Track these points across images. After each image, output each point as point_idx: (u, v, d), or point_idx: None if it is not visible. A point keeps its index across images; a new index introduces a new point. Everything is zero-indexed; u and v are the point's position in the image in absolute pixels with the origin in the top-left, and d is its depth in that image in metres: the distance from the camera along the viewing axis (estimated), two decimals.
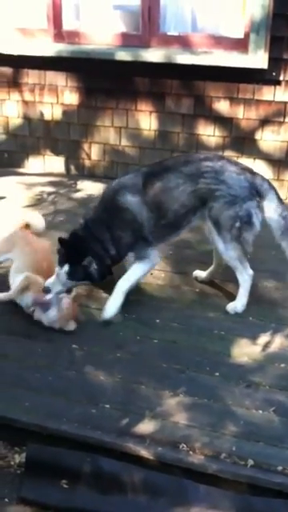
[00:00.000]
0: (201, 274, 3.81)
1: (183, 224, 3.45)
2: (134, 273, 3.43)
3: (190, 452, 2.54)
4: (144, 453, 2.54)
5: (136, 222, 3.35)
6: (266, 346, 3.21)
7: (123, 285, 3.40)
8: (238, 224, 3.31)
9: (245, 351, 3.16)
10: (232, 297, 3.63)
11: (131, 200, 3.34)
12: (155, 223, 3.37)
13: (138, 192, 3.34)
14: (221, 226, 3.33)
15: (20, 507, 2.49)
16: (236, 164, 3.45)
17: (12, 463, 2.67)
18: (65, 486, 2.52)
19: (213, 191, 3.29)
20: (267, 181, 3.43)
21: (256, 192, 3.32)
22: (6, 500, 2.52)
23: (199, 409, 2.76)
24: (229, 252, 3.39)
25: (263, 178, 3.43)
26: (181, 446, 2.56)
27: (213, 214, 3.33)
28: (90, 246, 3.33)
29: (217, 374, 2.99)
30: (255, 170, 5.01)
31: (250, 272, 3.48)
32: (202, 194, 3.32)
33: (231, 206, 3.28)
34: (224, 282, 3.78)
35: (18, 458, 2.68)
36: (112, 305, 3.36)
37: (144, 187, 3.35)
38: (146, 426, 2.65)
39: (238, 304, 3.49)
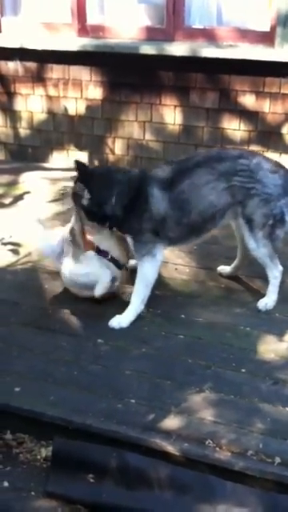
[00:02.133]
0: (225, 269, 3.79)
1: (207, 227, 3.36)
2: (144, 276, 3.31)
3: (217, 448, 2.52)
4: (170, 448, 2.53)
5: (151, 217, 3.24)
6: None
7: (139, 293, 3.32)
8: (271, 222, 3.28)
9: (271, 348, 3.13)
10: (258, 293, 3.61)
11: (155, 193, 3.24)
12: (176, 222, 3.28)
13: (165, 187, 3.25)
14: (254, 224, 3.28)
15: (46, 501, 2.49)
16: (270, 161, 3.39)
17: (38, 457, 2.68)
18: (91, 480, 2.52)
19: (248, 190, 3.23)
20: None
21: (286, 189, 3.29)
22: (33, 493, 2.53)
23: (225, 405, 2.74)
24: (260, 250, 3.35)
25: None
26: (207, 443, 2.54)
27: (246, 212, 3.27)
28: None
29: (243, 370, 2.96)
30: (282, 164, 5.03)
31: (280, 268, 3.45)
32: (236, 193, 3.24)
33: (266, 204, 3.24)
34: (250, 278, 3.75)
35: (45, 452, 2.69)
36: (130, 314, 3.31)
37: (172, 182, 3.26)
38: (172, 422, 2.64)
39: (269, 301, 3.45)
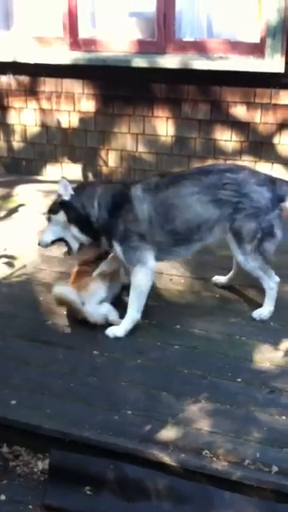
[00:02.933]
0: (220, 279, 3.80)
1: (194, 238, 3.34)
2: (137, 285, 3.29)
3: (214, 458, 2.52)
4: (167, 459, 2.53)
5: (136, 218, 3.24)
6: None
7: (134, 303, 3.31)
8: (259, 235, 3.28)
9: (267, 357, 3.14)
10: (253, 302, 3.62)
11: (139, 194, 3.27)
12: (161, 227, 3.27)
13: (149, 190, 3.29)
14: (242, 238, 3.29)
15: None
16: (258, 174, 3.40)
17: (35, 470, 2.68)
18: (88, 492, 2.52)
19: (235, 204, 3.24)
20: (286, 182, 3.42)
21: (277, 200, 3.29)
22: (30, 507, 2.52)
23: (222, 415, 2.74)
24: (249, 263, 3.36)
25: (283, 181, 3.41)
26: (204, 453, 2.54)
27: (234, 226, 3.28)
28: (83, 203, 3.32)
29: (239, 379, 2.97)
30: (274, 174, 5.06)
31: (276, 279, 3.45)
32: (223, 206, 3.25)
33: (253, 218, 3.25)
34: (245, 288, 3.76)
35: (42, 465, 2.69)
36: (126, 324, 3.31)
37: (157, 187, 3.30)
38: (169, 433, 2.64)
39: (264, 311, 3.47)
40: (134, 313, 3.31)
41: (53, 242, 3.45)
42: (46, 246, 3.46)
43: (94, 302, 3.37)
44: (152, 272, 3.32)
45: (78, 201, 3.31)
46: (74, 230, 3.34)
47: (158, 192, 3.27)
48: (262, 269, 3.39)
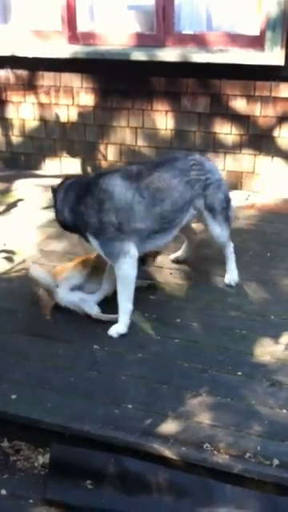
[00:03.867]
0: (176, 255, 3.98)
1: (176, 221, 3.42)
2: (122, 277, 3.26)
3: (215, 452, 2.52)
4: (168, 453, 2.53)
5: (112, 207, 3.21)
6: None
7: (123, 295, 3.28)
8: (225, 205, 3.60)
9: (267, 350, 3.13)
10: (253, 296, 3.63)
11: (118, 182, 3.26)
12: (147, 210, 3.27)
13: (129, 177, 3.31)
14: (215, 210, 3.56)
15: (45, 508, 2.49)
16: (198, 154, 3.88)
17: (36, 464, 2.68)
18: (89, 486, 2.51)
19: (204, 181, 3.49)
20: None
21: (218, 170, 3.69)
22: (31, 501, 2.52)
23: (222, 408, 2.74)
24: (224, 233, 3.64)
25: None
26: (205, 446, 2.54)
27: (208, 201, 3.53)
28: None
29: (239, 373, 2.97)
30: (274, 167, 5.06)
31: (232, 244, 3.76)
32: (194, 185, 3.45)
33: (219, 189, 3.56)
34: (244, 281, 3.75)
35: (42, 459, 2.69)
36: (124, 319, 3.28)
37: (138, 174, 3.34)
38: (170, 426, 2.64)
39: (235, 275, 3.73)
40: (125, 304, 3.28)
41: None
42: None
43: (66, 287, 3.43)
44: (135, 261, 3.26)
45: (57, 211, 3.41)
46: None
47: (141, 177, 3.33)
48: (228, 236, 3.70)
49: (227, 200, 3.63)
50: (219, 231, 3.61)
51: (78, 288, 3.47)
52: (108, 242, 3.23)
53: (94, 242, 3.26)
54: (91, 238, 3.26)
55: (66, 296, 3.43)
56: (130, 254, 3.23)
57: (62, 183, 3.43)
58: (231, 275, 3.73)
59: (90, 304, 3.43)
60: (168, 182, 3.36)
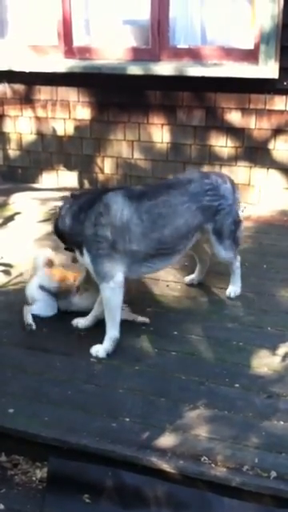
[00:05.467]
0: (192, 277, 3.90)
1: (178, 248, 3.34)
2: (106, 302, 3.22)
3: (212, 465, 2.51)
4: (165, 466, 2.52)
5: (110, 222, 3.14)
6: (286, 356, 3.18)
7: (108, 320, 3.24)
8: (233, 227, 3.53)
9: (264, 362, 3.14)
10: (250, 307, 3.64)
11: (118, 199, 3.19)
12: (143, 234, 3.18)
13: (131, 196, 3.22)
14: (223, 236, 3.49)
15: None
16: (219, 174, 3.69)
17: (34, 478, 2.67)
18: (87, 500, 2.51)
19: (216, 207, 3.38)
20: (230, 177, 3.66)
21: (234, 190, 3.55)
22: None
23: (220, 421, 2.74)
24: (229, 255, 3.60)
25: (229, 176, 3.68)
26: (202, 459, 2.53)
27: (217, 227, 3.44)
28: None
29: (237, 385, 2.97)
30: (269, 179, 5.09)
31: (239, 258, 3.73)
32: (205, 211, 3.34)
33: (229, 214, 3.46)
34: (241, 293, 3.76)
35: (40, 473, 2.68)
36: (106, 344, 3.23)
37: (142, 195, 3.25)
38: (167, 439, 2.64)
39: (237, 288, 3.74)
40: (110, 331, 3.23)
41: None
42: None
43: (34, 282, 3.59)
44: (120, 287, 3.18)
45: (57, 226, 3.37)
46: None
47: (144, 199, 3.22)
48: (235, 255, 3.66)
49: (236, 222, 3.54)
50: (224, 254, 3.56)
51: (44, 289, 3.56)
52: (99, 260, 3.16)
53: (87, 257, 3.19)
54: (85, 251, 3.20)
55: (28, 288, 3.59)
56: (114, 279, 3.15)
57: (75, 195, 3.43)
58: (234, 288, 3.74)
59: (41, 308, 3.55)
60: (173, 209, 3.25)
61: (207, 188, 3.36)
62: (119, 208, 3.16)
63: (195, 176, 3.48)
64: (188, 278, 3.90)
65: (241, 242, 3.70)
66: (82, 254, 3.25)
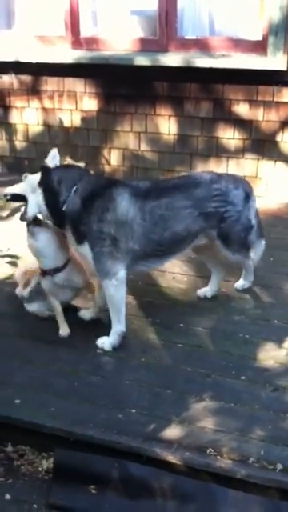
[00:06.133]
0: (205, 290, 3.72)
1: (175, 250, 3.32)
2: (110, 299, 3.19)
3: (218, 457, 2.52)
4: (171, 458, 2.53)
5: (114, 219, 3.08)
6: None
7: (112, 316, 3.23)
8: (243, 234, 3.41)
9: (271, 355, 3.14)
10: (256, 300, 3.64)
11: (125, 196, 3.12)
12: (144, 234, 3.13)
13: (137, 194, 3.15)
14: (230, 241, 3.38)
15: None
16: (231, 177, 3.48)
17: (40, 469, 2.68)
18: (93, 491, 2.52)
19: (222, 214, 3.27)
20: (247, 182, 3.55)
21: (248, 196, 3.40)
22: (35, 506, 2.53)
23: (226, 413, 2.74)
24: (237, 258, 3.52)
25: (246, 181, 3.57)
26: (208, 451, 2.54)
27: (222, 233, 3.33)
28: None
29: (243, 377, 2.97)
30: (277, 171, 5.06)
31: (251, 256, 3.61)
32: (210, 218, 3.26)
33: (237, 221, 3.34)
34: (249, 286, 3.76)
35: (46, 464, 2.69)
36: (111, 338, 3.22)
37: (147, 193, 3.18)
38: (173, 431, 2.64)
39: (247, 283, 3.71)
40: (116, 326, 3.22)
41: (14, 198, 3.36)
42: (6, 198, 3.38)
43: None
44: (122, 282, 3.16)
45: (57, 173, 3.17)
46: (40, 197, 3.16)
47: (148, 199, 3.15)
48: (246, 256, 3.57)
49: (248, 228, 3.41)
50: (231, 257, 3.48)
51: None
52: (101, 258, 3.11)
53: (88, 252, 3.13)
54: (86, 245, 3.12)
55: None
56: (117, 276, 3.12)
57: (66, 169, 3.29)
58: (243, 282, 3.73)
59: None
60: (175, 213, 3.17)
61: (215, 193, 3.24)
62: (125, 206, 3.10)
63: (205, 179, 3.31)
64: (201, 291, 3.71)
65: (251, 245, 3.52)
66: (80, 243, 3.15)
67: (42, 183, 3.15)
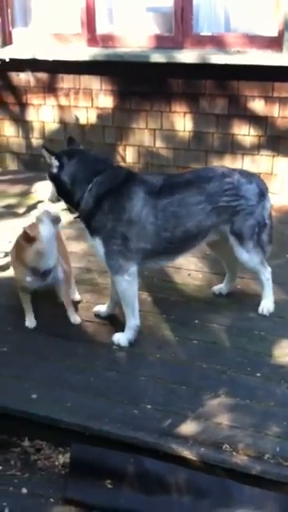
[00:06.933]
0: (220, 287, 3.72)
1: (186, 247, 3.31)
2: (122, 294, 3.22)
3: (234, 453, 2.53)
4: (187, 453, 2.54)
5: (128, 219, 3.10)
6: None
7: (125, 311, 3.25)
8: (257, 229, 3.34)
9: (286, 352, 3.14)
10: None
11: (140, 194, 3.13)
12: (156, 232, 3.15)
13: (151, 192, 3.15)
14: (243, 237, 3.31)
15: (65, 507, 2.51)
16: (244, 172, 3.46)
17: (56, 463, 2.71)
18: (109, 486, 2.54)
19: (234, 207, 3.25)
20: (263, 181, 3.47)
21: (262, 193, 3.36)
22: (51, 500, 2.55)
23: (241, 409, 2.75)
24: (253, 259, 3.38)
25: (261, 179, 3.49)
26: (224, 447, 2.55)
27: (235, 228, 3.29)
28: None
29: (258, 374, 2.97)
30: None
31: (269, 269, 3.49)
32: (222, 212, 3.24)
33: (251, 216, 3.29)
34: None
35: (62, 459, 2.71)
36: (127, 333, 3.24)
37: (160, 191, 3.17)
38: (189, 427, 2.65)
39: (270, 303, 3.48)
40: (130, 321, 3.24)
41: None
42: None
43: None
44: (135, 278, 3.18)
45: (70, 173, 3.14)
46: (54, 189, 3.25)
47: (161, 196, 3.15)
48: (262, 262, 3.42)
49: (261, 225, 3.34)
50: (247, 257, 3.35)
51: None
52: (113, 255, 3.13)
53: (100, 248, 3.15)
54: (98, 241, 3.14)
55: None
56: (128, 272, 3.14)
57: (80, 165, 3.16)
58: (266, 303, 3.48)
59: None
60: (187, 209, 3.17)
61: (226, 188, 3.22)
62: (141, 206, 3.11)
63: (217, 173, 3.30)
64: (216, 288, 3.70)
65: (265, 246, 3.42)
66: (92, 237, 3.18)
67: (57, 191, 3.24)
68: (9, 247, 4.28)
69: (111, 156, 5.56)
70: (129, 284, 3.17)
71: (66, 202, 3.26)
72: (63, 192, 3.21)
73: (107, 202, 3.12)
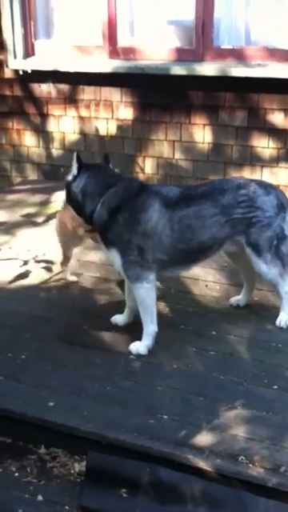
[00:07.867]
0: (238, 298, 3.72)
1: (201, 257, 3.33)
2: (141, 301, 3.24)
3: (250, 465, 2.52)
4: (202, 464, 2.54)
5: (144, 231, 3.13)
6: None
7: (143, 317, 3.26)
8: (275, 242, 3.30)
9: None
10: None
11: (156, 207, 3.15)
12: (172, 245, 3.17)
13: (167, 204, 3.17)
14: (260, 248, 3.29)
15: None
16: (262, 184, 3.43)
17: (72, 471, 2.72)
18: (124, 494, 2.54)
19: (249, 219, 3.24)
20: (284, 194, 3.44)
21: (282, 205, 3.32)
22: (67, 507, 2.56)
23: (258, 422, 2.74)
24: (271, 271, 3.34)
25: (282, 192, 3.45)
26: (240, 459, 2.54)
27: (251, 239, 3.28)
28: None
29: (275, 386, 2.96)
30: None
31: None
32: (237, 224, 3.24)
33: (268, 227, 3.27)
34: None
35: (78, 467, 2.72)
36: (145, 340, 3.25)
37: (176, 203, 3.19)
38: (205, 438, 2.65)
39: (287, 317, 3.45)
40: (148, 327, 3.26)
41: None
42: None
43: None
44: (153, 285, 3.22)
45: (81, 187, 3.22)
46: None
47: (177, 209, 3.17)
48: (281, 274, 3.37)
49: (280, 237, 3.30)
50: (266, 269, 3.32)
51: None
52: (130, 266, 3.16)
53: (117, 259, 3.18)
54: (115, 252, 3.18)
55: None
56: (147, 279, 3.17)
57: (91, 179, 3.23)
58: (284, 316, 3.45)
59: None
60: (202, 222, 3.18)
61: (241, 200, 3.21)
62: (156, 218, 3.13)
63: (232, 185, 3.28)
64: (234, 300, 3.70)
65: (285, 259, 3.35)
66: (108, 248, 3.22)
67: (67, 200, 3.32)
68: (28, 256, 4.36)
69: (130, 167, 5.62)
70: (148, 291, 3.21)
71: (78, 213, 3.30)
72: (73, 201, 3.28)
73: (121, 214, 3.15)
